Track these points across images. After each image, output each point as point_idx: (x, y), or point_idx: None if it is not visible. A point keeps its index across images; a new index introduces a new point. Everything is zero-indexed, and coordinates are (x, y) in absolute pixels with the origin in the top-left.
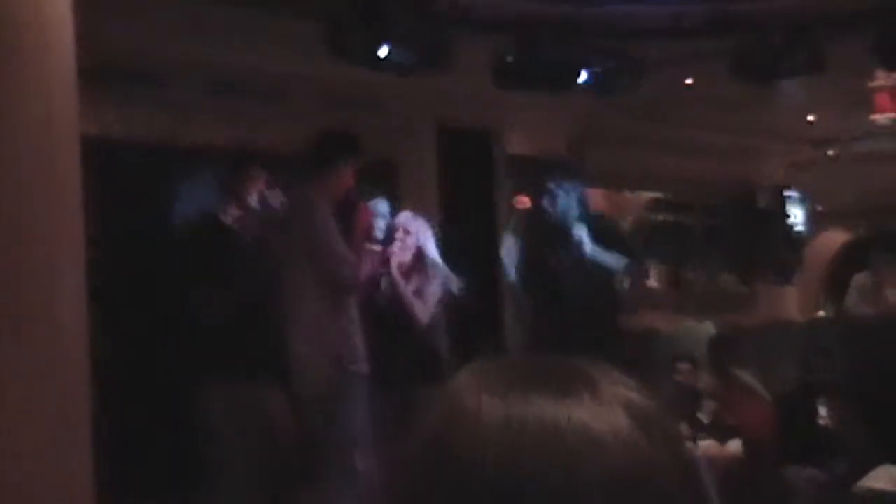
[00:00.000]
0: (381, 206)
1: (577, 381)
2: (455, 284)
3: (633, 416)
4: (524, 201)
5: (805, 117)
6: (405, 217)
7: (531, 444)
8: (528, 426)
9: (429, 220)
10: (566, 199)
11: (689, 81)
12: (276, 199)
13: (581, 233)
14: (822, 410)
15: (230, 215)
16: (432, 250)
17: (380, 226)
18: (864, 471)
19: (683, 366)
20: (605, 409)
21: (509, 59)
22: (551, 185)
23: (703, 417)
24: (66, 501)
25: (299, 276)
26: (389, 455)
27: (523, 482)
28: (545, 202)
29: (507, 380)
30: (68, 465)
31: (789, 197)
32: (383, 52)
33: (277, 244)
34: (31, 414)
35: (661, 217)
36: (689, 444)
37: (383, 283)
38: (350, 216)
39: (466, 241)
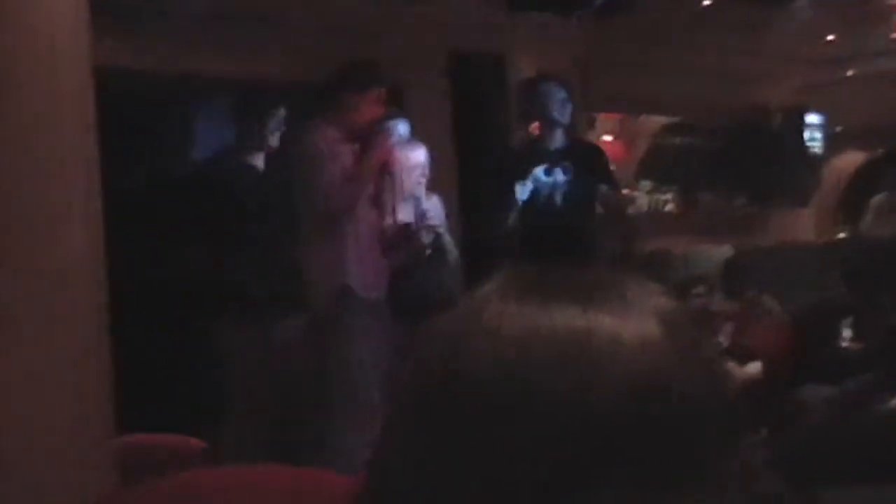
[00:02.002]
0: (401, 126)
1: (605, 289)
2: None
3: (662, 322)
4: (538, 127)
5: (823, 37)
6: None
7: (556, 350)
8: (554, 333)
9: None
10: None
11: (706, 2)
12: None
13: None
14: (842, 331)
15: (251, 154)
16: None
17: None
18: (884, 390)
19: (699, 289)
20: (633, 317)
21: None
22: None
23: (722, 340)
24: (84, 428)
25: (305, 205)
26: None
27: (545, 390)
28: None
29: (528, 288)
30: (85, 393)
31: (806, 118)
32: None
33: (285, 174)
34: (46, 343)
35: (675, 141)
36: (717, 351)
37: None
38: (372, 143)
39: (478, 171)
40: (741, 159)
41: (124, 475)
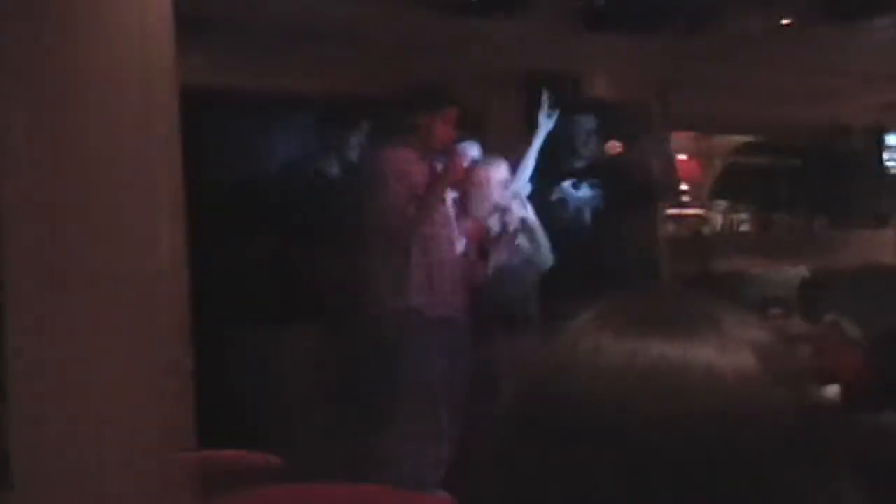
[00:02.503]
0: (474, 150)
1: (700, 320)
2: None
3: (757, 354)
4: (615, 146)
5: None
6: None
7: (650, 383)
8: (649, 365)
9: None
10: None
11: (785, 22)
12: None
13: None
14: None
15: (331, 168)
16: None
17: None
18: None
19: (775, 311)
20: (728, 348)
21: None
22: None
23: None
24: (165, 442)
25: (371, 222)
26: (475, 403)
27: (640, 421)
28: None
29: (627, 319)
30: (168, 407)
31: (885, 138)
32: None
33: (359, 192)
34: (132, 355)
35: (751, 160)
36: (815, 386)
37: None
38: (445, 166)
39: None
40: (819, 179)
41: (202, 490)
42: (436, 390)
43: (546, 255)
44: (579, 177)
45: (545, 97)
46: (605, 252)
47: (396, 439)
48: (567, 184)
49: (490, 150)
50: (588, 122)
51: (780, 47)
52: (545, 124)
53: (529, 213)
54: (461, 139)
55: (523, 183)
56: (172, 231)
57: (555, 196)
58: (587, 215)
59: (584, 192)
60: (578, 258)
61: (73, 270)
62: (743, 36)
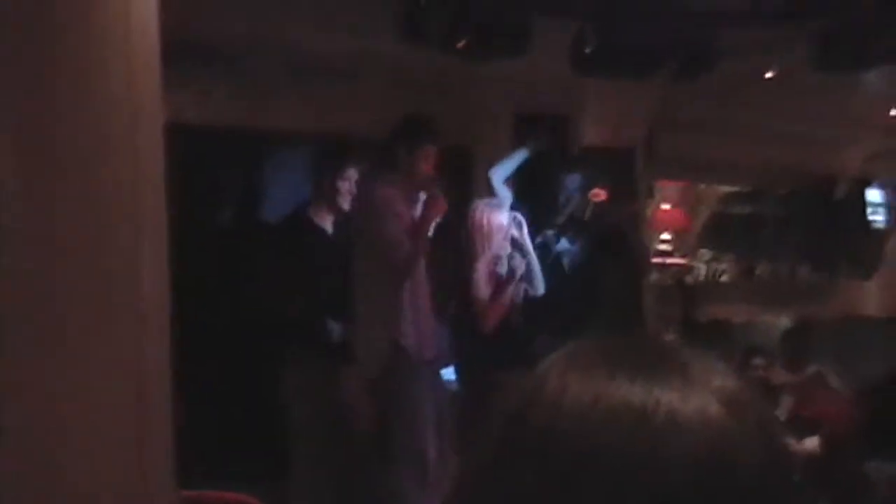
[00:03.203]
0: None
1: (668, 364)
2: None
3: (723, 400)
4: (599, 194)
5: (888, 108)
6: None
7: (615, 425)
8: (614, 406)
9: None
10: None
11: (769, 75)
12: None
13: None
14: None
15: (321, 216)
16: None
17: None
18: None
19: (758, 360)
20: (694, 393)
21: (587, 45)
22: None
23: (780, 413)
24: (145, 482)
25: (363, 259)
26: (465, 437)
27: (605, 462)
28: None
29: (595, 360)
30: (147, 448)
31: (869, 190)
32: (461, 38)
33: (352, 230)
34: (112, 400)
35: (736, 209)
36: (781, 431)
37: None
38: (427, 203)
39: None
40: (804, 229)
41: None
42: (423, 430)
43: (539, 284)
44: (560, 230)
45: (529, 139)
46: (581, 298)
47: (391, 478)
48: (550, 232)
49: (480, 189)
50: (574, 181)
51: (767, 97)
52: (521, 154)
53: (527, 241)
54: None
55: (499, 178)
56: (157, 270)
57: (538, 240)
58: (565, 263)
59: (563, 244)
60: (554, 302)
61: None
62: (730, 85)
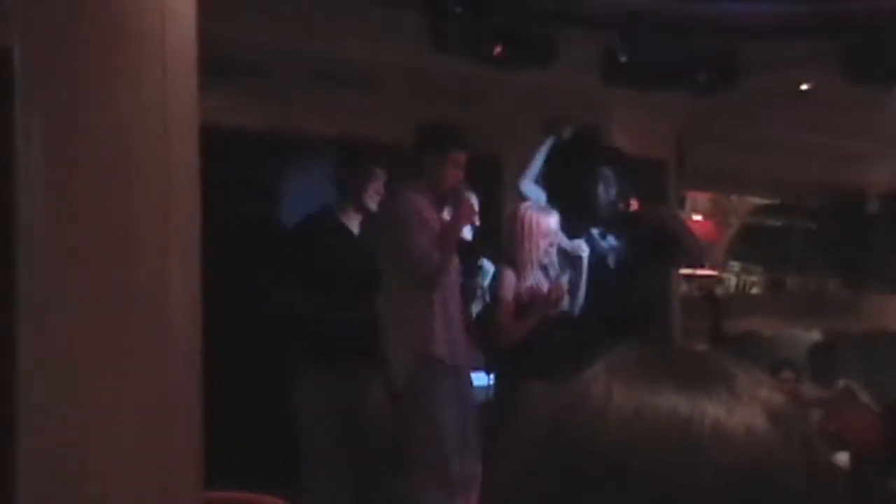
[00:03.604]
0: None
1: (714, 375)
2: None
3: (768, 414)
4: (632, 204)
5: None
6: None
7: (660, 435)
8: (659, 417)
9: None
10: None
11: (804, 87)
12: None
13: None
14: None
15: (348, 215)
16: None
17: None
18: None
19: (787, 373)
20: (740, 405)
21: (619, 56)
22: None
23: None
24: (170, 489)
25: (390, 268)
26: (494, 446)
27: (649, 473)
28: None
29: (639, 370)
30: (173, 452)
31: None
32: (493, 48)
33: (375, 237)
34: (138, 403)
35: (767, 222)
36: (827, 448)
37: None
38: (456, 211)
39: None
40: (835, 242)
41: None
42: (454, 438)
43: (579, 303)
44: (606, 227)
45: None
46: (623, 302)
47: (414, 487)
48: (595, 231)
49: (509, 199)
50: (610, 176)
51: (799, 109)
52: (547, 145)
53: (585, 258)
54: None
55: (528, 181)
56: (187, 273)
57: (573, 243)
58: (611, 263)
59: (610, 241)
60: (599, 305)
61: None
62: (762, 97)
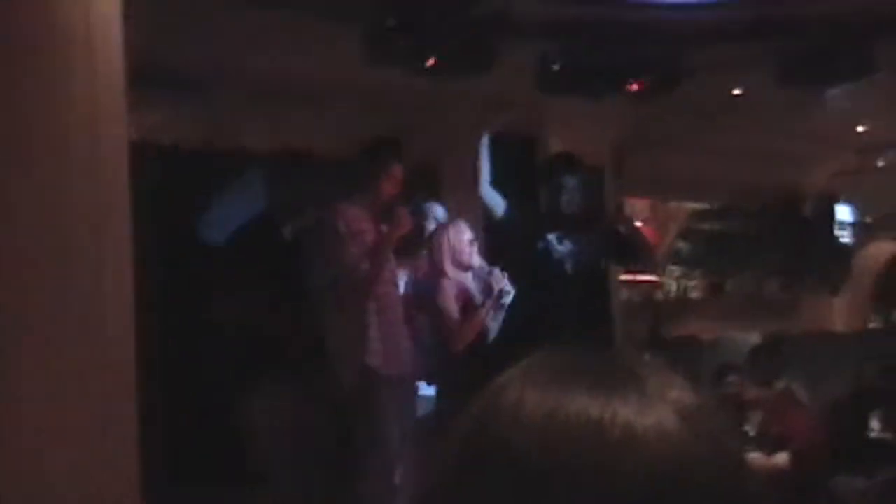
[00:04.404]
0: (437, 209)
1: (624, 377)
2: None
3: (680, 413)
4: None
5: (854, 125)
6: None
7: (572, 438)
8: (570, 420)
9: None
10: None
11: (736, 92)
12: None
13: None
14: (874, 422)
15: (285, 227)
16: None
17: (430, 230)
18: None
19: (732, 377)
20: (650, 406)
21: (553, 64)
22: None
23: (749, 429)
24: (113, 497)
25: (325, 277)
26: (426, 452)
27: (562, 475)
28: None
29: (551, 373)
30: (115, 464)
31: (836, 206)
32: (428, 59)
33: (310, 248)
34: (79, 415)
35: (705, 226)
36: (742, 446)
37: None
38: (390, 224)
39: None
40: (772, 245)
41: None
42: (391, 448)
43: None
44: (563, 232)
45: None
46: (575, 306)
47: (363, 493)
48: (551, 236)
49: (451, 205)
50: (571, 181)
51: (735, 113)
52: (485, 143)
53: (508, 288)
54: (417, 199)
55: (486, 185)
56: (120, 285)
57: (540, 245)
58: (568, 267)
59: (567, 245)
60: (553, 306)
61: (24, 318)
62: (697, 103)
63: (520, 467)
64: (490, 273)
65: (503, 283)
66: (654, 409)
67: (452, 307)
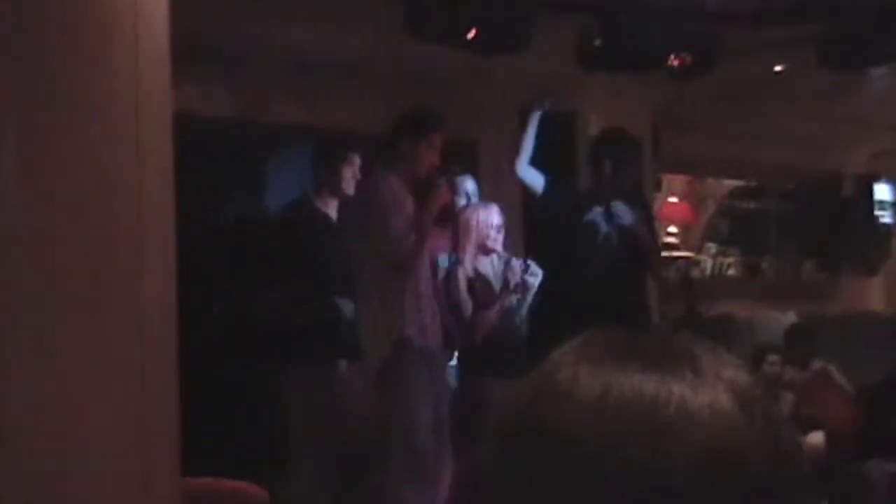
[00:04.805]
0: (469, 184)
1: (679, 356)
2: (534, 276)
3: (734, 393)
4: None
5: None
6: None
7: (626, 415)
8: (624, 397)
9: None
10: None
11: (778, 68)
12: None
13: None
14: None
15: (325, 202)
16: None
17: (463, 204)
18: None
19: (773, 357)
20: (704, 385)
21: (595, 40)
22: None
23: (784, 409)
24: (148, 485)
25: (365, 249)
26: (462, 433)
27: (615, 453)
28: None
29: (605, 351)
30: (150, 450)
31: (876, 187)
32: (468, 33)
33: (351, 222)
34: (114, 397)
35: (743, 204)
36: (791, 427)
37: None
38: (430, 194)
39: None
40: (810, 225)
41: None
42: (427, 423)
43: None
44: (606, 207)
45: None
46: (617, 282)
47: (391, 472)
48: (598, 209)
49: (485, 184)
50: (619, 155)
51: (775, 92)
52: (535, 118)
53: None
54: (453, 171)
55: (524, 164)
56: (162, 265)
57: (585, 219)
58: (614, 243)
59: (614, 220)
60: (597, 284)
61: (60, 302)
62: (738, 80)
63: (573, 444)
64: (508, 263)
65: (519, 275)
66: (709, 387)
67: (465, 299)
